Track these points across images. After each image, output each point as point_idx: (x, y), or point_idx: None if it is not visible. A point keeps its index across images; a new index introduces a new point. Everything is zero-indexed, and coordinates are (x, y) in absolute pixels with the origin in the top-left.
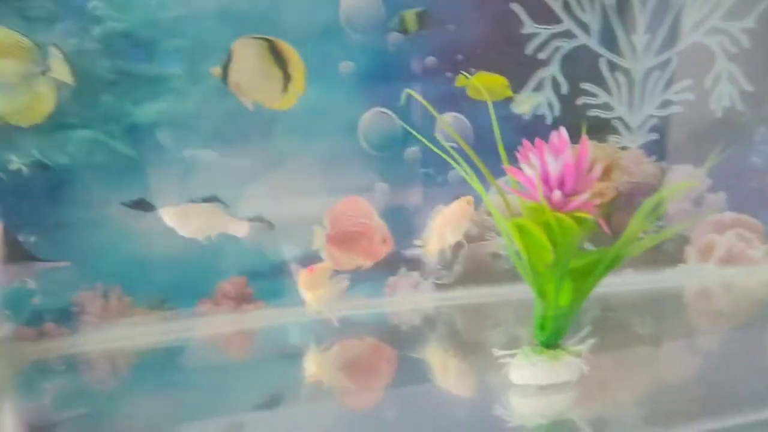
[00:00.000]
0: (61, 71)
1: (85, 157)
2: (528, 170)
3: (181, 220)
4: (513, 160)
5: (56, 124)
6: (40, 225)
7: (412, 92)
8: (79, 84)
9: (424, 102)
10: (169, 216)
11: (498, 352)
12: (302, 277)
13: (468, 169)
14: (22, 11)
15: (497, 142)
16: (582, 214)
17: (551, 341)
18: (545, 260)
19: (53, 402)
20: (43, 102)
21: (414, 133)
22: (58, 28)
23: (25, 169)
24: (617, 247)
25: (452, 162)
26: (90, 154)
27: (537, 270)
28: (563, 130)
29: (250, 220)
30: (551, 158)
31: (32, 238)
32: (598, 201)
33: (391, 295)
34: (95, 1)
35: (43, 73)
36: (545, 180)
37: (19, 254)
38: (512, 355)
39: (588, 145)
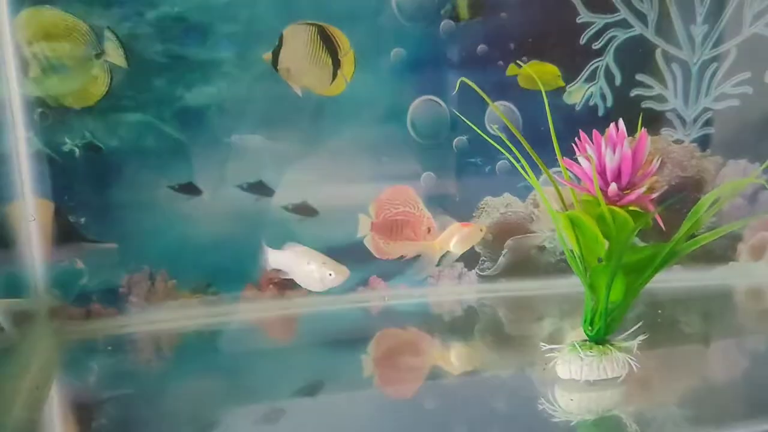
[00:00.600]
0: (115, 55)
1: (135, 140)
2: (584, 162)
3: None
4: (564, 152)
5: (109, 106)
6: (90, 206)
7: (467, 80)
8: (132, 67)
9: (478, 90)
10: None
11: (545, 346)
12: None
13: (521, 159)
14: None
15: (549, 132)
16: (637, 208)
17: (600, 337)
18: (598, 254)
19: (99, 381)
20: (96, 85)
21: (466, 121)
22: (114, 12)
23: (77, 150)
24: (673, 243)
25: (504, 152)
26: (140, 137)
27: (589, 264)
28: (621, 123)
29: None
30: (608, 150)
31: (82, 219)
32: (654, 195)
33: (435, 286)
34: None
35: (98, 56)
36: (601, 172)
37: (69, 235)
38: (560, 350)
39: (646, 138)
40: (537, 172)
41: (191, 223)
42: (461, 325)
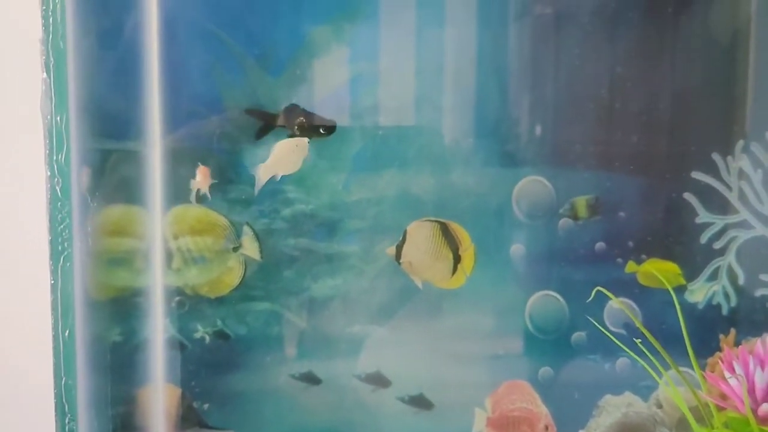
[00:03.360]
0: (252, 248)
1: (261, 329)
2: (733, 382)
3: None
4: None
5: (240, 296)
6: (214, 393)
7: (604, 290)
8: (264, 260)
9: (609, 294)
10: None
11: None
12: None
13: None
14: (225, 194)
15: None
16: None
17: None
18: None
19: None
20: (231, 276)
21: (594, 322)
22: (253, 209)
23: (207, 338)
24: None
25: (628, 350)
26: (267, 325)
27: None
28: (767, 338)
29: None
30: (758, 369)
31: (206, 406)
32: None
33: None
34: (289, 186)
35: (235, 249)
36: (750, 391)
37: (191, 421)
38: None
39: None
40: (658, 373)
41: (309, 412)
42: None
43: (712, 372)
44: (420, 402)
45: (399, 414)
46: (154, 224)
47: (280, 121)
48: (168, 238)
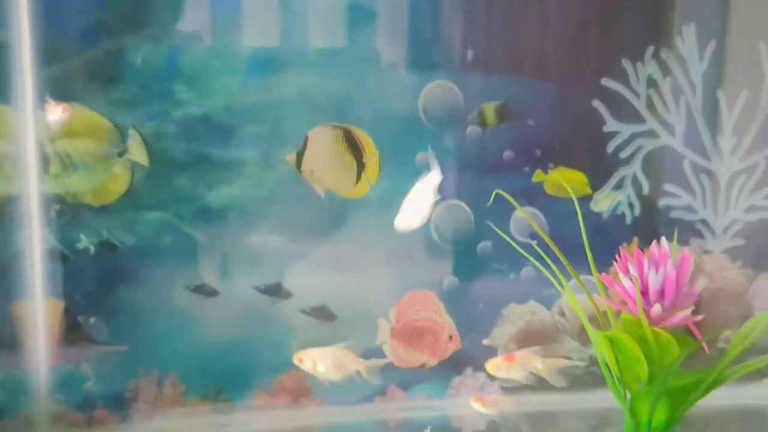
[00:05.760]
0: (138, 153)
1: (152, 239)
2: (626, 282)
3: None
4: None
5: (127, 204)
6: (101, 307)
7: (502, 192)
8: (154, 166)
9: (514, 202)
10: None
11: None
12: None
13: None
14: (107, 94)
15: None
16: (680, 333)
17: None
18: (639, 377)
19: None
20: (117, 183)
21: (497, 230)
22: (139, 111)
23: (92, 248)
24: (720, 369)
25: (532, 260)
26: (158, 235)
27: (630, 387)
28: (664, 241)
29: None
30: (652, 270)
31: (92, 320)
32: (699, 318)
33: (455, 397)
34: (179, 86)
35: (120, 154)
36: (643, 292)
37: (77, 336)
38: None
39: (690, 258)
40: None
41: (205, 325)
42: None
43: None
44: (322, 313)
45: (301, 326)
46: (25, 125)
47: None
48: (44, 141)
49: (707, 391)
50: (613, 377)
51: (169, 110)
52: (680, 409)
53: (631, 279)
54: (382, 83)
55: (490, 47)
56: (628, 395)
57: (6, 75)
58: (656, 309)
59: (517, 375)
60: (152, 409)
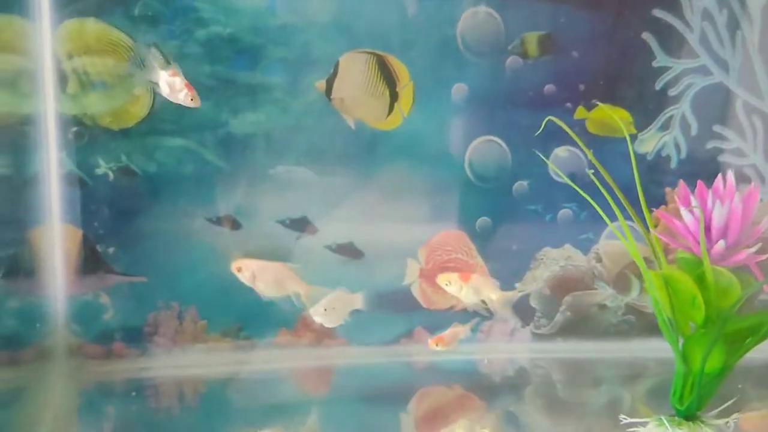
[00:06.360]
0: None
1: (174, 167)
2: (687, 216)
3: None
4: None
5: (148, 129)
6: (120, 236)
7: (556, 119)
8: None
9: (570, 131)
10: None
11: (626, 419)
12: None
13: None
14: (127, 9)
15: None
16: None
17: (691, 412)
18: (694, 319)
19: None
20: (137, 105)
21: (546, 161)
22: (161, 29)
23: (110, 174)
24: None
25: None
26: (179, 163)
27: (683, 331)
28: (730, 176)
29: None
30: (717, 204)
31: (111, 249)
32: (765, 256)
33: (485, 342)
34: (203, 3)
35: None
36: (706, 229)
37: (95, 265)
38: (644, 424)
39: (757, 193)
40: (603, 224)
41: (227, 259)
42: (511, 387)
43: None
44: (349, 250)
45: (326, 263)
46: (42, 39)
47: None
48: (61, 57)
49: (766, 335)
50: (665, 320)
51: (192, 29)
52: (736, 356)
53: (692, 213)
54: (418, 8)
55: None
56: (681, 340)
57: None
58: (720, 245)
59: (467, 298)
60: (171, 344)
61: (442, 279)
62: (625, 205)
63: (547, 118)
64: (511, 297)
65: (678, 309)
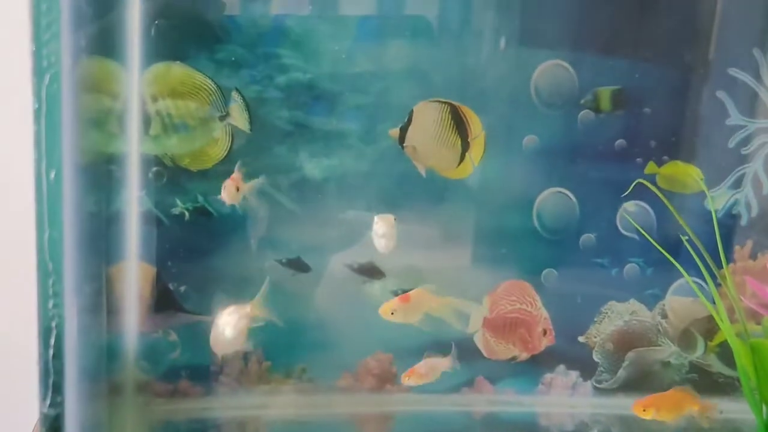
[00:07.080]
0: (240, 118)
1: (247, 208)
2: None
3: None
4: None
5: (225, 171)
6: (192, 275)
7: (646, 182)
8: (254, 133)
9: (656, 191)
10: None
11: None
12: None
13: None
14: (212, 53)
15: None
16: None
17: None
18: None
19: None
20: (216, 147)
21: (634, 224)
22: (243, 74)
23: (187, 214)
24: None
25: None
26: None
27: (767, 399)
28: None
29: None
30: None
31: (182, 288)
32: None
33: (546, 394)
34: (285, 50)
35: (222, 118)
36: None
37: (167, 303)
38: None
39: None
40: (670, 280)
41: (293, 300)
42: None
43: (724, 285)
44: None
45: None
46: (131, 82)
47: None
48: (146, 99)
49: None
50: (752, 389)
51: (273, 75)
52: None
53: None
54: (493, 59)
55: (610, 28)
56: (765, 409)
57: (116, 32)
58: None
59: (414, 318)
60: (236, 384)
61: (385, 311)
62: (711, 265)
63: (636, 181)
64: (453, 303)
65: (764, 379)
